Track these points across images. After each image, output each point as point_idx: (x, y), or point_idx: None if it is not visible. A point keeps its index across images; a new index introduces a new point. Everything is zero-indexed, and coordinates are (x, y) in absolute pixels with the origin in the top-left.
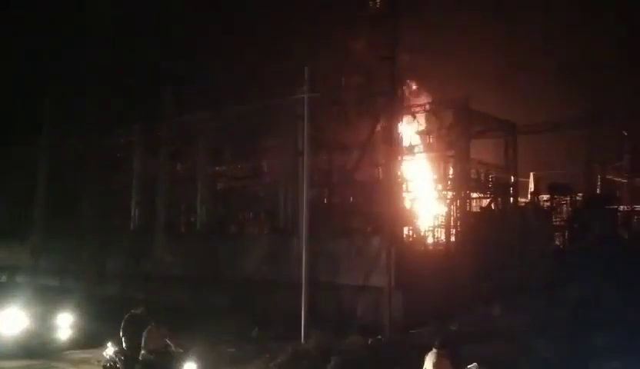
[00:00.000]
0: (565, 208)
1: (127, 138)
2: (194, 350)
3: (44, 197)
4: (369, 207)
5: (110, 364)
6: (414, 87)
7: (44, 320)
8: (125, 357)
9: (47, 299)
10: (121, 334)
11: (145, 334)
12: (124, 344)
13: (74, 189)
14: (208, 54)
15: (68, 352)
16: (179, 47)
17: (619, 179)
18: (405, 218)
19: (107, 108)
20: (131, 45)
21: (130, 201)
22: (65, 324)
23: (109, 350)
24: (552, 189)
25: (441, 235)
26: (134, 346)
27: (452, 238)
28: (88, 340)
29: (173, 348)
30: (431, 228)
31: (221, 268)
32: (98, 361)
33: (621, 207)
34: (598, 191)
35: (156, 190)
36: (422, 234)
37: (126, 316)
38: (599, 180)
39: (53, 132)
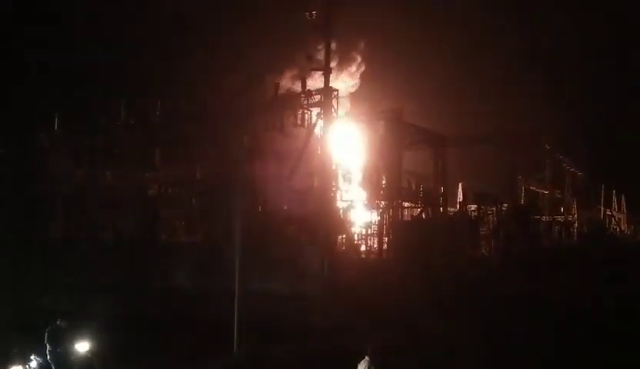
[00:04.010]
0: (491, 218)
1: (52, 142)
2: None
3: None
4: (304, 215)
5: None
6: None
7: None
8: None
9: None
10: (46, 347)
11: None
12: (48, 356)
13: None
14: (139, 57)
15: None
16: (108, 48)
17: (541, 190)
18: (339, 227)
19: (29, 110)
20: (59, 44)
21: (54, 208)
22: None
23: (33, 363)
24: (479, 199)
25: (374, 243)
26: (58, 358)
27: (384, 246)
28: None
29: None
30: (364, 236)
31: (150, 277)
32: None
33: (543, 217)
34: (521, 202)
35: (82, 196)
36: (356, 242)
37: (49, 327)
38: (523, 191)
39: None
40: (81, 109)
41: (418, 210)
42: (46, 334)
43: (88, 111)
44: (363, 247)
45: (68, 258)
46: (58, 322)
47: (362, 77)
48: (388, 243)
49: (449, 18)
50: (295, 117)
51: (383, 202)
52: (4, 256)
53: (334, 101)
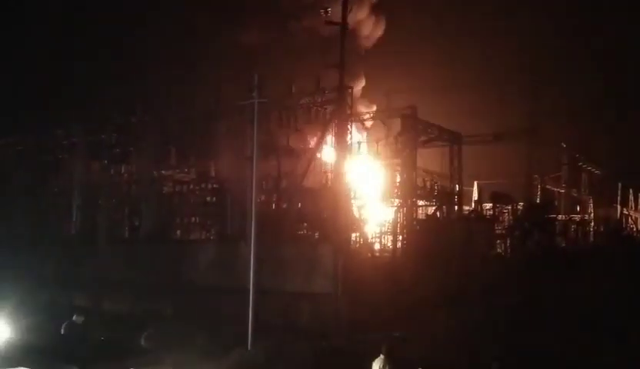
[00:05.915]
0: (506, 217)
1: (68, 139)
2: None
3: None
4: (317, 213)
5: None
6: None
7: None
8: None
9: None
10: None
11: None
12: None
13: (10, 191)
14: (156, 57)
15: None
16: (126, 49)
17: (557, 189)
18: (353, 225)
19: (47, 107)
20: (75, 44)
21: (71, 205)
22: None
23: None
24: (494, 198)
25: (388, 242)
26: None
27: (399, 245)
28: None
29: None
30: (378, 235)
31: (165, 274)
32: None
33: (559, 216)
34: (537, 201)
35: (98, 193)
36: (369, 240)
37: (65, 323)
38: (539, 190)
39: None
40: (97, 107)
41: (433, 208)
42: (62, 330)
43: (104, 109)
44: (377, 246)
45: (83, 255)
46: (74, 317)
47: (375, 75)
48: (402, 242)
49: (467, 15)
50: (309, 114)
51: (397, 200)
52: (21, 252)
53: (348, 98)
